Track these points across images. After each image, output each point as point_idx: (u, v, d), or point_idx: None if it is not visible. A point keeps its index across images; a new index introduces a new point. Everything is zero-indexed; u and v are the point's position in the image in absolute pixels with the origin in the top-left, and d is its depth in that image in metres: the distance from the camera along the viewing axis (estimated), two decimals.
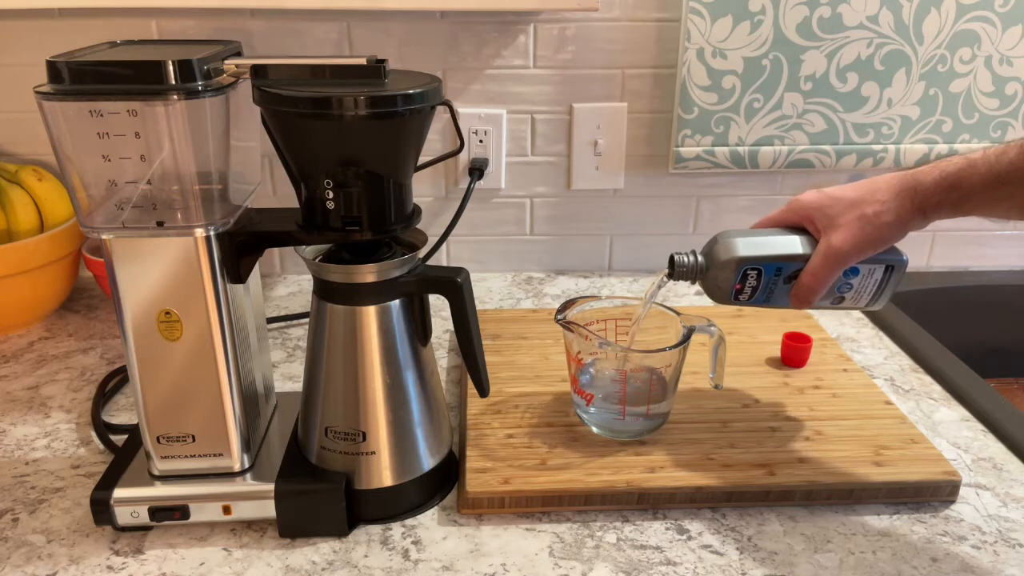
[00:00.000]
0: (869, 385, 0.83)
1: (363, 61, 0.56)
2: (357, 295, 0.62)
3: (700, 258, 0.68)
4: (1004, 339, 1.15)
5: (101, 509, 0.63)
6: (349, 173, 0.58)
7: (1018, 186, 0.58)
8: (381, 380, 0.64)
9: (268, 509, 0.64)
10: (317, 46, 1.04)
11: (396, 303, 0.63)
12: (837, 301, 0.69)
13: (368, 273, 0.61)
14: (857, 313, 1.05)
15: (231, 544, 0.64)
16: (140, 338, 0.60)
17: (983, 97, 1.06)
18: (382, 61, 0.57)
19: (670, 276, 0.69)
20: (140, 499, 0.63)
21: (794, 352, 0.86)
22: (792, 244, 0.66)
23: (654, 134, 1.11)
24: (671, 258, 0.69)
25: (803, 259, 0.66)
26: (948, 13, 1.01)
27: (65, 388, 0.86)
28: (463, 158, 1.10)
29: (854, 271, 0.66)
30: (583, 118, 1.09)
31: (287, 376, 0.88)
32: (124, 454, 0.68)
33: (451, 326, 0.76)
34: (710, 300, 0.70)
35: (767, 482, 0.68)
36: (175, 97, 0.53)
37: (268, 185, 1.10)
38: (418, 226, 0.65)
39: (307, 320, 0.72)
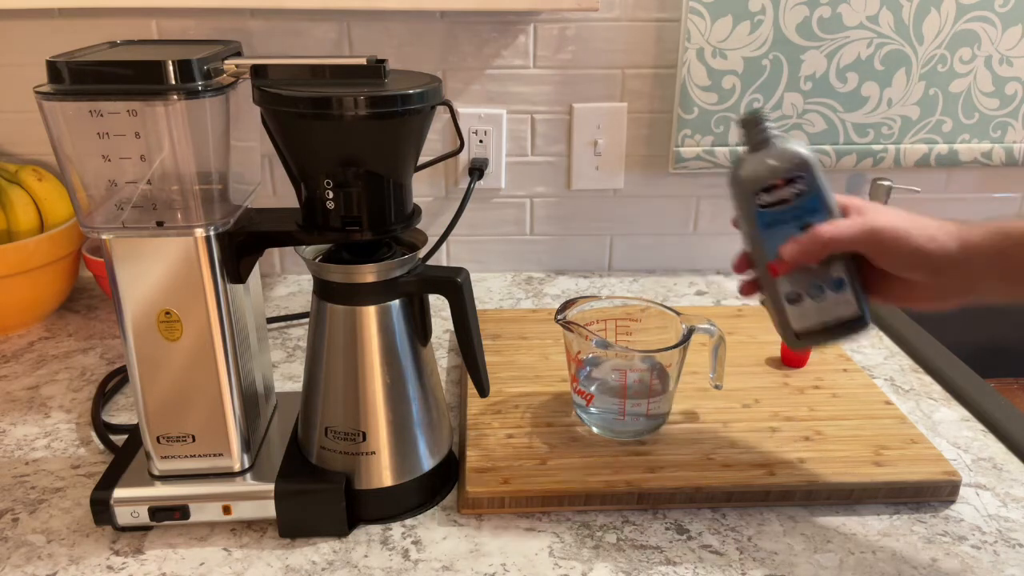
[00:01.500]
0: (869, 385, 0.83)
1: (363, 61, 0.56)
2: (357, 295, 0.62)
3: (776, 131, 0.62)
4: (1004, 339, 1.15)
5: (101, 509, 0.63)
6: (349, 173, 0.58)
7: None
8: (381, 380, 0.64)
9: (268, 509, 0.64)
10: (317, 46, 1.04)
11: (396, 303, 0.63)
12: (795, 297, 0.63)
13: (368, 273, 0.62)
14: None
15: (231, 544, 0.64)
16: (140, 338, 0.60)
17: (983, 97, 1.06)
18: (382, 61, 0.57)
19: (742, 121, 0.63)
20: (140, 499, 0.63)
21: (794, 352, 0.86)
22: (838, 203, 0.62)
23: (654, 134, 1.11)
24: (751, 109, 0.62)
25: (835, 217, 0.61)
26: (948, 13, 1.01)
27: (65, 388, 0.86)
28: (463, 158, 1.10)
29: (840, 284, 0.61)
30: (583, 118, 1.09)
31: (287, 376, 0.88)
32: (124, 454, 0.68)
33: (451, 326, 0.76)
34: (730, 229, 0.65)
35: (767, 482, 0.68)
36: (175, 97, 0.53)
37: (268, 185, 1.10)
38: (418, 226, 0.65)
39: (307, 320, 0.72)
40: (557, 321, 0.72)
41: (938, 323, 1.01)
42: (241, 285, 0.64)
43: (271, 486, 0.64)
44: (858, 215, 0.60)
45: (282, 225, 0.63)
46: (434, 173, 1.11)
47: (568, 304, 0.74)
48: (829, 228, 0.59)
